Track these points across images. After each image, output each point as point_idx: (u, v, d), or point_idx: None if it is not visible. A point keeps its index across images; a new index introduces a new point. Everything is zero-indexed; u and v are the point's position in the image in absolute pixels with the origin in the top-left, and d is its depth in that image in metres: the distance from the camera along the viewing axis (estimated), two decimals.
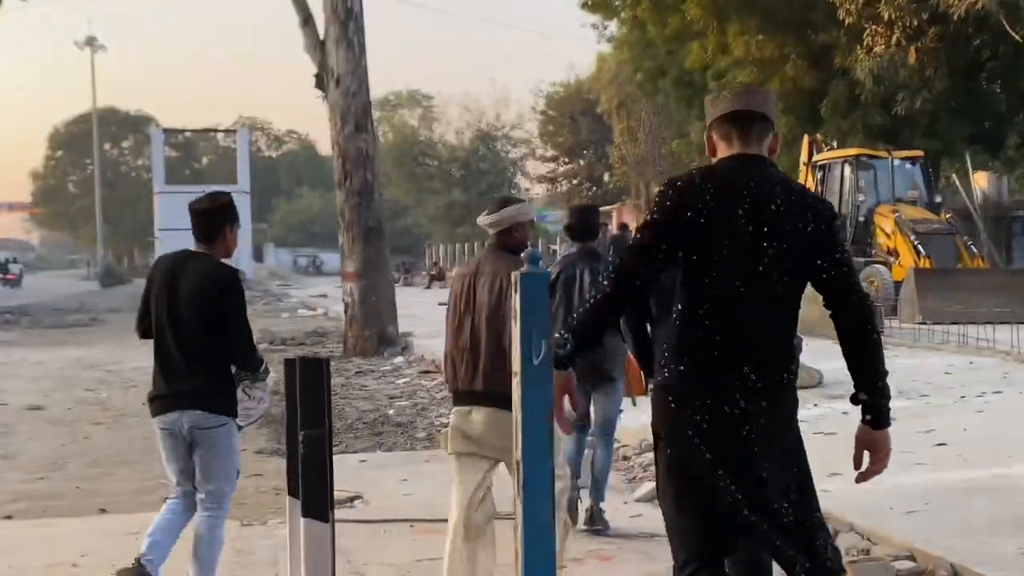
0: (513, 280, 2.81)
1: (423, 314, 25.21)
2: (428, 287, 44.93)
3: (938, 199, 20.82)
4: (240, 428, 4.79)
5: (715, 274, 2.91)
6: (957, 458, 6.79)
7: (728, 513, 2.95)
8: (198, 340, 4.55)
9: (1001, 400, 9.25)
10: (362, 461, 8.01)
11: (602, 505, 5.93)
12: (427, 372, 15.00)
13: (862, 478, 3.10)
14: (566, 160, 61.20)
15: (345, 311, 17.92)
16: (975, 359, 12.23)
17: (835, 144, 23.51)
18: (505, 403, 3.56)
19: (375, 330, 17.47)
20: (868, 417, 3.04)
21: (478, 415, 4.40)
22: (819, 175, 21.38)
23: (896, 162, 20.58)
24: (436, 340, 17.64)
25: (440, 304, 29.83)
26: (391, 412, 11.88)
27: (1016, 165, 27.59)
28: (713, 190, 2.92)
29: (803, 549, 2.92)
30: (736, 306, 2.91)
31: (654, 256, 2.96)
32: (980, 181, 30.10)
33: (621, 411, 6.10)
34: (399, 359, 16.62)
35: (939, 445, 7.19)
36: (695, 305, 2.95)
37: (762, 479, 2.91)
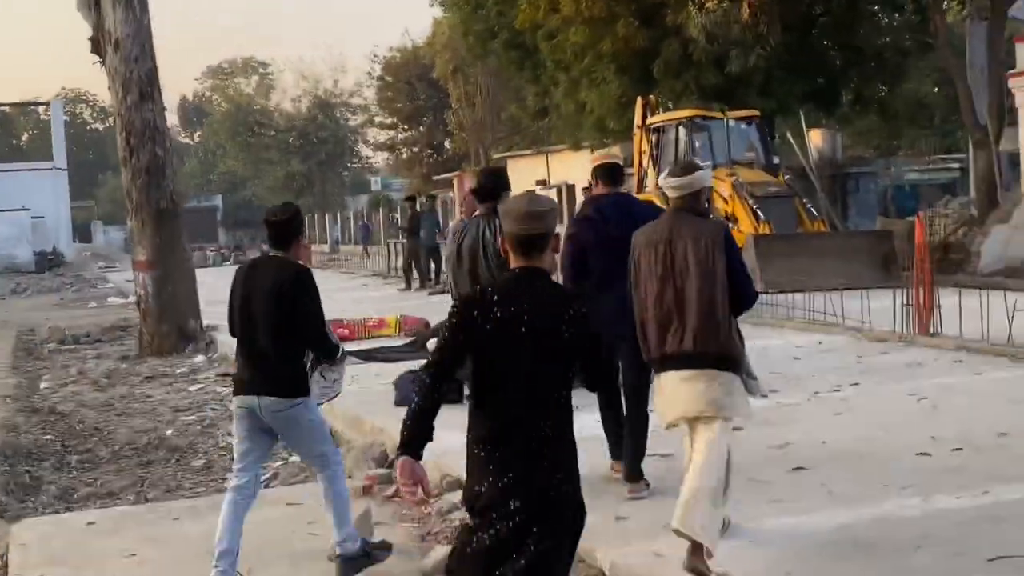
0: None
1: None
2: None
3: (776, 160, 20.02)
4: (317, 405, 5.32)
5: (498, 375, 3.37)
6: (821, 490, 5.55)
7: None
8: (272, 331, 4.96)
9: (860, 396, 8.11)
10: (90, 524, 6.31)
11: None
12: (226, 375, 13.22)
13: None
14: (405, 127, 59.42)
15: (138, 305, 15.93)
16: (824, 338, 11.21)
17: (670, 105, 22.56)
18: (716, 363, 4.51)
19: (173, 325, 15.55)
20: None
21: (687, 375, 4.62)
22: (653, 138, 20.33)
23: (732, 123, 19.65)
24: None
25: None
26: (170, 432, 10.15)
27: (851, 122, 27.27)
28: (499, 301, 3.40)
29: None
30: (515, 402, 3.35)
31: (453, 355, 3.47)
32: (815, 139, 29.85)
33: None
34: (200, 358, 14.77)
35: (797, 470, 5.95)
36: (483, 398, 3.41)
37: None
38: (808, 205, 18.53)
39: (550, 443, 3.29)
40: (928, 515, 5.05)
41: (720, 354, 4.62)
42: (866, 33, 24.30)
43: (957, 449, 6.23)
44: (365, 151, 75.71)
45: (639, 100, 21.20)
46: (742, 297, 4.68)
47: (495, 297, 3.39)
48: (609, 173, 6.06)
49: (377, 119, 63.55)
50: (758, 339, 11.36)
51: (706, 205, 4.93)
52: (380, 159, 71.01)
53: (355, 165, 78.44)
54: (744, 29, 21.15)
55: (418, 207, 24.44)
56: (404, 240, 23.69)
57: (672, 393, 4.66)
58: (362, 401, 9.24)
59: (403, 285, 23.04)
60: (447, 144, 55.34)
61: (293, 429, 5.06)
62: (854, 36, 23.69)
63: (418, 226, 22.93)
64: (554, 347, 3.32)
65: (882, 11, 25.54)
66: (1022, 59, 19.09)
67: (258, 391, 4.98)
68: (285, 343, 4.96)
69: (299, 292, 4.95)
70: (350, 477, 7.44)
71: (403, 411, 8.63)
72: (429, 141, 57.62)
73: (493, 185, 6.88)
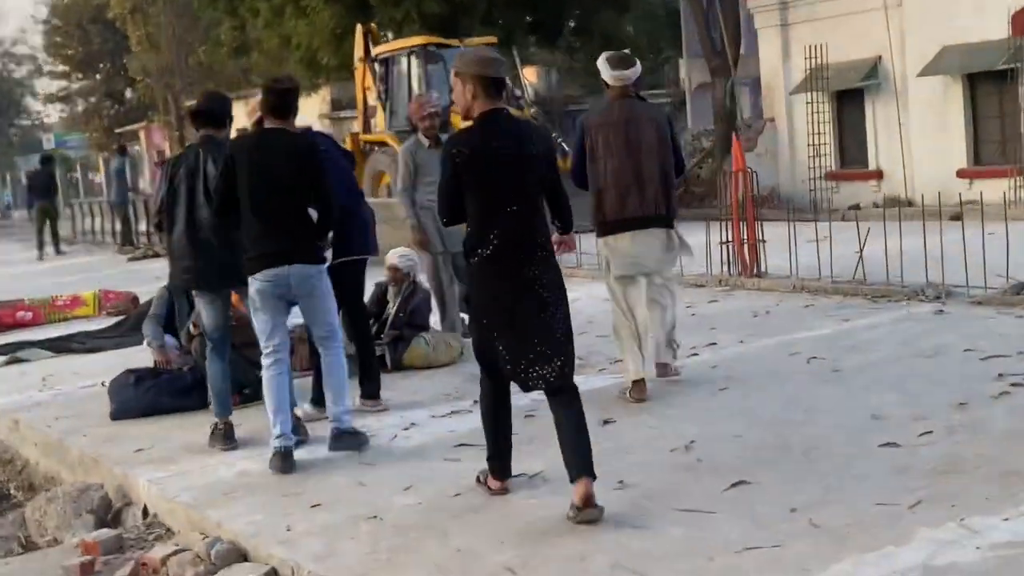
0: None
1: None
2: None
3: (518, 92, 18.34)
4: None
5: (489, 191, 4.26)
6: (798, 522, 3.78)
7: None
8: (295, 201, 5.20)
9: (732, 361, 6.38)
10: None
11: None
12: None
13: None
14: (80, 76, 53.65)
15: None
16: None
17: (390, 36, 20.42)
18: (668, 222, 5.80)
19: None
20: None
21: (649, 236, 5.74)
22: (381, 71, 18.11)
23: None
24: None
25: None
26: None
27: (576, 53, 26.28)
28: (480, 136, 4.27)
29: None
30: (506, 212, 4.25)
31: (455, 184, 4.32)
32: (529, 76, 28.86)
33: None
34: None
35: (737, 485, 4.16)
36: (478, 212, 4.30)
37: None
38: (559, 139, 17.00)
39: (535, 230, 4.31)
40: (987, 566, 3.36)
41: (671, 216, 5.79)
42: None
43: (926, 433, 4.65)
44: (35, 105, 68.77)
45: (359, 29, 18.84)
46: (681, 166, 5.90)
47: (474, 134, 4.28)
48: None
49: (47, 68, 57.31)
50: None
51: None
52: (53, 113, 64.50)
53: (24, 122, 71.24)
54: None
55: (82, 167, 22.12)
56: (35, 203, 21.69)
57: (629, 251, 5.70)
58: (62, 416, 6.69)
59: (38, 253, 21.03)
60: (129, 93, 50.40)
61: (314, 295, 5.26)
62: None
63: (43, 184, 21.58)
64: (533, 162, 4.27)
65: None
66: None
67: (289, 260, 5.14)
68: (305, 211, 5.21)
69: (312, 158, 5.23)
70: (58, 542, 5.05)
71: (122, 425, 6.14)
72: (108, 90, 52.34)
73: (220, 109, 5.90)
